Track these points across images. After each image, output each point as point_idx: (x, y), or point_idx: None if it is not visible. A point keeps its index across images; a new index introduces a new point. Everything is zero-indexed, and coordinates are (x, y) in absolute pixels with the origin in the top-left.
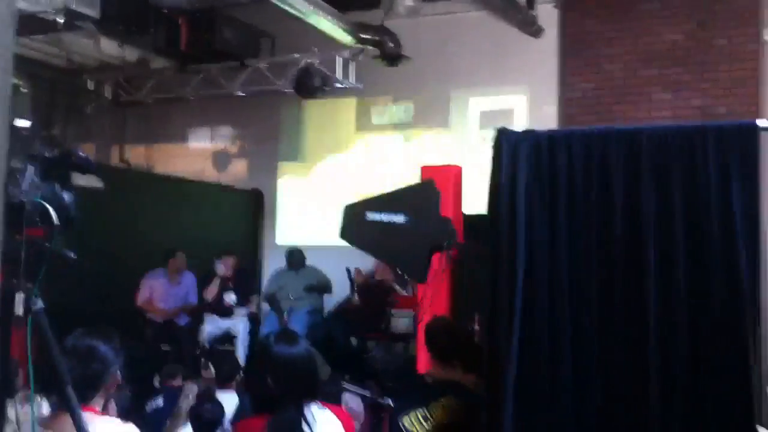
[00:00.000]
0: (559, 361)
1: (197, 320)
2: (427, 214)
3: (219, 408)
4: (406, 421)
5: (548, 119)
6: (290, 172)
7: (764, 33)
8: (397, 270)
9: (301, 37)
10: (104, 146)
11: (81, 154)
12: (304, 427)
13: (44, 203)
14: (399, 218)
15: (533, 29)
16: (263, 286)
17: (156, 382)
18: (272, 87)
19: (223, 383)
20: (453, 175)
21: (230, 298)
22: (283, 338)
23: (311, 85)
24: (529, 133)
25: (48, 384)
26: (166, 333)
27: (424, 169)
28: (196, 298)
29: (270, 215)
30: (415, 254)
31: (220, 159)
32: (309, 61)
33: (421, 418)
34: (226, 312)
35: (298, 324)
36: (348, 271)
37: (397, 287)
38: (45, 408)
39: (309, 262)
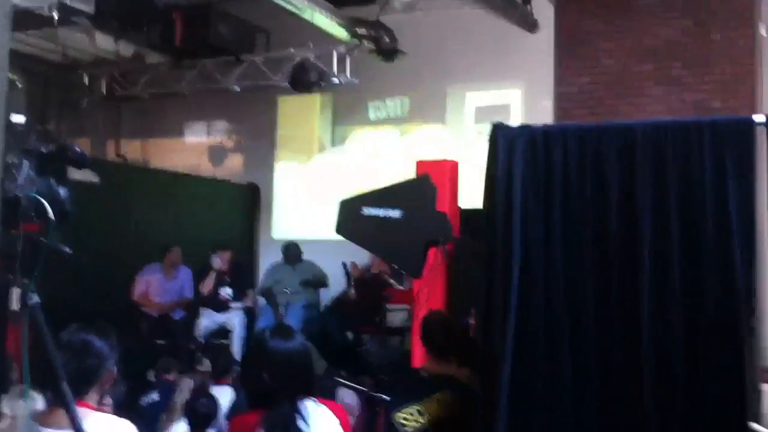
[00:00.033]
0: (554, 357)
1: (193, 314)
2: (423, 209)
3: (214, 402)
4: (401, 415)
5: (544, 114)
6: (286, 167)
7: (760, 29)
8: (393, 265)
9: (297, 32)
10: (99, 141)
11: (76, 149)
12: (299, 422)
13: (40, 198)
14: (395, 213)
15: (529, 24)
16: (259, 281)
17: (151, 377)
18: (268, 82)
19: (219, 377)
20: (449, 169)
21: (226, 292)
22: (279, 333)
23: (307, 80)
24: (524, 128)
25: (43, 379)
26: (161, 327)
27: (420, 164)
28: (192, 292)
29: (266, 209)
30: (411, 249)
31: (216, 153)
32: (305, 56)
33: (416, 413)
34: (221, 306)
35: (293, 318)
36: (344, 265)
37: (393, 282)
38: (40, 403)
39: (305, 256)
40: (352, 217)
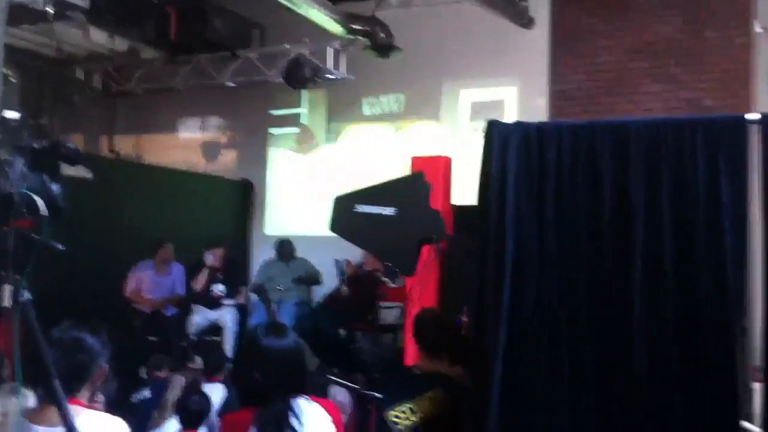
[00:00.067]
0: (546, 354)
1: (185, 311)
2: (417, 207)
3: (206, 400)
4: (393, 413)
5: (539, 111)
6: (280, 163)
7: (755, 26)
8: (386, 262)
9: (292, 27)
10: (93, 136)
11: (69, 145)
12: (292, 420)
13: (32, 195)
14: (389, 211)
15: (525, 21)
16: (252, 277)
17: (143, 374)
18: (262, 77)
19: (211, 375)
20: (442, 165)
21: (218, 289)
22: (272, 331)
23: (302, 75)
24: (519, 125)
25: (34, 376)
26: (153, 324)
27: (414, 160)
28: (184, 289)
29: (259, 206)
30: (405, 247)
31: (210, 149)
32: (299, 51)
33: (408, 411)
34: (214, 303)
35: (286, 315)
36: (337, 262)
37: (386, 279)
38: (31, 400)
39: (298, 252)
40: (346, 214)
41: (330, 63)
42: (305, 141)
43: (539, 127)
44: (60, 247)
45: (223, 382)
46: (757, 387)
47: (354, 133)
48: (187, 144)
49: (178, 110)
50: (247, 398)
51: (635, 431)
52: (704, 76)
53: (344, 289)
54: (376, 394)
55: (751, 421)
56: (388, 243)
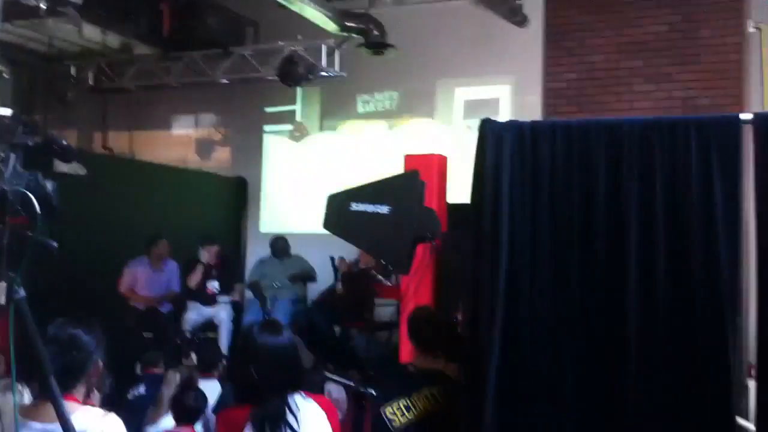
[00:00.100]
0: (541, 351)
1: (180, 308)
2: (411, 205)
3: (202, 396)
4: (388, 410)
5: (533, 109)
6: (275, 160)
7: (748, 25)
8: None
9: (286, 24)
10: (86, 133)
11: (63, 142)
12: (288, 417)
13: (26, 192)
14: (383, 209)
15: (518, 19)
16: (247, 275)
17: (138, 370)
18: (256, 74)
19: (206, 371)
20: (437, 163)
21: (213, 285)
22: (267, 328)
23: (296, 73)
24: (513, 124)
25: (30, 373)
26: (148, 320)
27: (408, 158)
28: (179, 285)
29: (254, 203)
30: (399, 245)
31: (204, 146)
32: (293, 48)
33: (403, 408)
34: (209, 300)
35: (281, 313)
36: (332, 259)
37: (381, 278)
38: (27, 397)
39: (293, 250)
40: (340, 212)
41: (324, 60)
42: (299, 133)
43: (533, 126)
44: (54, 244)
45: (218, 378)
46: (751, 384)
47: (348, 130)
48: (181, 141)
49: (172, 107)
50: (243, 395)
51: (631, 427)
52: (697, 74)
53: (339, 286)
54: (371, 391)
55: (746, 418)
56: (382, 241)
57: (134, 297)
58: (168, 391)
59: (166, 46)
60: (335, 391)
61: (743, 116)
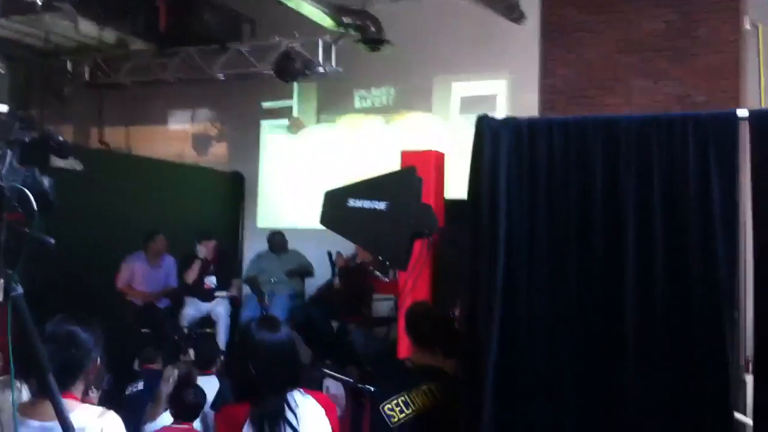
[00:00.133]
0: (539, 347)
1: (177, 303)
2: (409, 201)
3: (201, 393)
4: (387, 407)
5: (530, 105)
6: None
7: (745, 22)
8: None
9: (282, 20)
10: (82, 128)
11: (59, 137)
12: (287, 414)
13: (23, 188)
14: (380, 205)
15: (515, 15)
16: (244, 270)
17: (136, 366)
18: (253, 70)
19: (203, 367)
20: (434, 160)
21: (211, 281)
22: (265, 325)
23: (292, 68)
24: (510, 120)
25: (28, 370)
26: (146, 316)
27: (405, 154)
28: (176, 281)
29: (251, 198)
30: (397, 241)
31: (200, 142)
32: (290, 44)
33: (402, 404)
34: (206, 295)
35: (278, 308)
36: (329, 254)
37: (378, 274)
38: (25, 394)
39: (291, 245)
40: (338, 209)
41: (321, 56)
42: (296, 128)
43: (530, 123)
44: (51, 240)
45: (215, 374)
46: (749, 379)
47: (345, 125)
48: (178, 136)
49: (169, 102)
50: (241, 392)
51: (630, 423)
52: (694, 71)
53: (336, 282)
54: (370, 387)
55: (744, 413)
56: (379, 237)
57: (131, 293)
58: (166, 387)
59: (162, 42)
60: (333, 387)
61: (741, 113)
